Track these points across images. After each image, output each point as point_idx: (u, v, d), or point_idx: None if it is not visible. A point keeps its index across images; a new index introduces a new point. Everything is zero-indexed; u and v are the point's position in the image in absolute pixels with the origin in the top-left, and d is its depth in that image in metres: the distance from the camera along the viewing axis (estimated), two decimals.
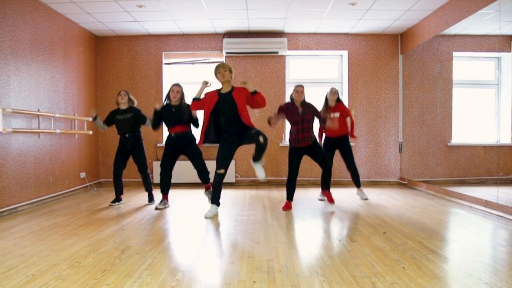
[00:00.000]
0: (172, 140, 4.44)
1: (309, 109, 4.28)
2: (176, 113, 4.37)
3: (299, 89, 4.29)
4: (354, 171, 4.95)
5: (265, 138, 3.81)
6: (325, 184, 4.52)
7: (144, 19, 5.61)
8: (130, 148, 4.69)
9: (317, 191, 5.22)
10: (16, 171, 4.32)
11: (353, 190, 5.67)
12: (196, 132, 4.43)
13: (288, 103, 4.38)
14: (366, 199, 4.95)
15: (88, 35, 6.12)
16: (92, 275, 2.29)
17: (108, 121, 4.74)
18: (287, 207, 4.37)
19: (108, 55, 6.45)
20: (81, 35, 5.89)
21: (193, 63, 6.72)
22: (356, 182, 5.02)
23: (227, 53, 6.29)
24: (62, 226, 3.59)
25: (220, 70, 3.87)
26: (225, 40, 6.21)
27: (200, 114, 4.27)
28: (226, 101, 3.87)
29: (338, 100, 4.86)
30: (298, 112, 4.25)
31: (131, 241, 3.06)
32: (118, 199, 4.74)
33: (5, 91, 4.14)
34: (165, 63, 6.57)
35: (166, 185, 4.51)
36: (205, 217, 3.91)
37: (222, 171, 3.92)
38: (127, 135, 4.66)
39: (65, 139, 5.37)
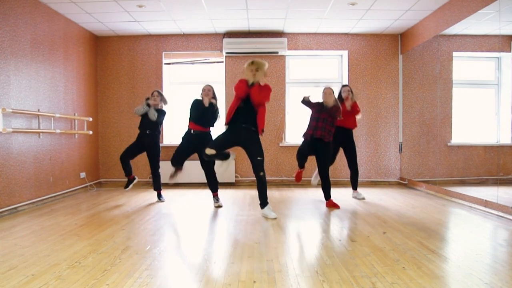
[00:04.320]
0: (190, 136, 4.46)
1: (334, 107, 4.42)
2: (205, 112, 4.40)
3: (327, 91, 4.50)
4: (354, 171, 5.01)
5: (264, 173, 3.92)
6: (325, 194, 4.52)
7: (144, 19, 5.61)
8: (147, 145, 4.77)
9: (318, 191, 5.21)
10: (16, 171, 4.32)
11: None
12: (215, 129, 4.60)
13: (318, 102, 4.56)
14: (363, 198, 4.98)
15: (88, 35, 6.12)
16: (92, 275, 2.29)
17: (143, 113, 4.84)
18: (298, 177, 4.67)
19: (108, 55, 6.45)
20: (81, 35, 5.89)
21: (193, 63, 6.72)
22: (354, 183, 5.07)
23: (227, 53, 6.29)
24: (62, 226, 3.59)
25: (253, 69, 3.87)
26: (225, 40, 6.21)
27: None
28: (248, 94, 3.89)
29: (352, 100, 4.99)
30: (323, 110, 4.44)
31: (131, 241, 3.06)
32: (130, 180, 4.87)
33: (5, 91, 4.14)
34: (165, 63, 6.57)
35: (181, 160, 4.47)
36: (219, 167, 4.07)
37: (212, 151, 3.86)
38: (147, 132, 4.74)
39: (65, 139, 5.37)
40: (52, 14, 5.06)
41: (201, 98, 4.48)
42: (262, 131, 3.91)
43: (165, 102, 4.92)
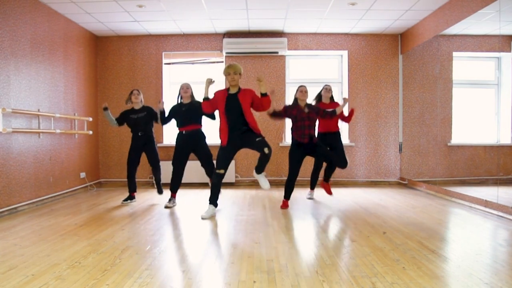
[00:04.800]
0: (183, 138, 4.46)
1: (312, 109, 4.38)
2: (186, 112, 4.41)
3: (302, 88, 4.41)
4: (343, 163, 4.85)
5: (270, 149, 3.86)
6: (327, 176, 4.59)
7: (144, 19, 5.61)
8: (143, 146, 4.75)
9: (318, 192, 5.22)
10: (16, 171, 4.32)
11: (353, 190, 5.70)
12: (208, 130, 4.54)
13: (291, 105, 4.45)
14: (311, 198, 4.98)
15: (88, 35, 6.12)
16: (92, 275, 2.29)
17: (120, 119, 4.78)
18: (285, 205, 4.43)
19: (108, 55, 6.45)
20: (81, 35, 5.89)
21: (193, 63, 6.72)
22: (327, 176, 4.90)
23: (227, 53, 6.29)
24: (62, 226, 3.59)
25: (230, 73, 3.88)
26: (225, 40, 6.21)
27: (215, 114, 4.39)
28: (232, 101, 3.90)
29: (332, 100, 4.95)
30: (303, 109, 4.34)
31: (131, 241, 3.06)
32: (131, 197, 4.82)
33: (5, 91, 4.14)
34: (165, 63, 6.57)
35: (176, 184, 4.55)
36: (202, 218, 3.91)
37: (222, 171, 3.94)
38: (139, 134, 4.71)
39: (65, 139, 5.37)
40: (52, 14, 5.06)
41: (177, 103, 4.51)
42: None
43: (141, 100, 4.82)
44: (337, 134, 4.90)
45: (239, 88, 3.96)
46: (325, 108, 4.58)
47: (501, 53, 4.51)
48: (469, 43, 4.99)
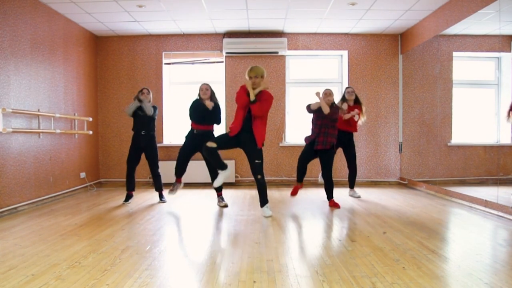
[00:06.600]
0: (193, 136, 4.45)
1: (334, 111, 4.39)
2: (204, 111, 4.38)
3: (327, 91, 4.43)
4: (353, 171, 5.11)
5: (263, 176, 3.96)
6: (327, 194, 4.53)
7: (144, 19, 5.61)
8: (144, 147, 4.75)
9: (318, 191, 5.21)
10: (16, 171, 4.32)
11: None
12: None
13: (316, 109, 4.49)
14: (359, 196, 5.08)
15: (88, 35, 6.12)
16: (92, 275, 2.29)
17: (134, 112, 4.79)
18: (294, 191, 4.61)
19: (108, 55, 6.45)
20: (81, 35, 5.89)
21: (193, 63, 6.72)
22: (352, 182, 5.18)
23: (227, 53, 6.29)
24: (62, 226, 3.59)
25: (252, 77, 3.82)
26: (225, 40, 6.21)
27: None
28: (249, 112, 3.90)
29: (356, 101, 5.05)
30: (323, 115, 4.37)
31: (131, 241, 3.06)
32: (129, 195, 4.80)
33: (5, 91, 4.14)
34: (165, 63, 6.57)
35: (181, 169, 4.53)
36: (214, 186, 4.19)
37: (213, 144, 3.84)
38: (142, 133, 4.70)
39: (65, 139, 5.37)
40: (52, 14, 5.05)
41: (198, 98, 4.48)
42: (262, 144, 3.92)
43: (150, 100, 4.82)
44: (351, 135, 5.05)
45: (260, 92, 3.88)
46: (351, 110, 4.88)
47: (501, 53, 4.51)
48: (469, 43, 4.99)
